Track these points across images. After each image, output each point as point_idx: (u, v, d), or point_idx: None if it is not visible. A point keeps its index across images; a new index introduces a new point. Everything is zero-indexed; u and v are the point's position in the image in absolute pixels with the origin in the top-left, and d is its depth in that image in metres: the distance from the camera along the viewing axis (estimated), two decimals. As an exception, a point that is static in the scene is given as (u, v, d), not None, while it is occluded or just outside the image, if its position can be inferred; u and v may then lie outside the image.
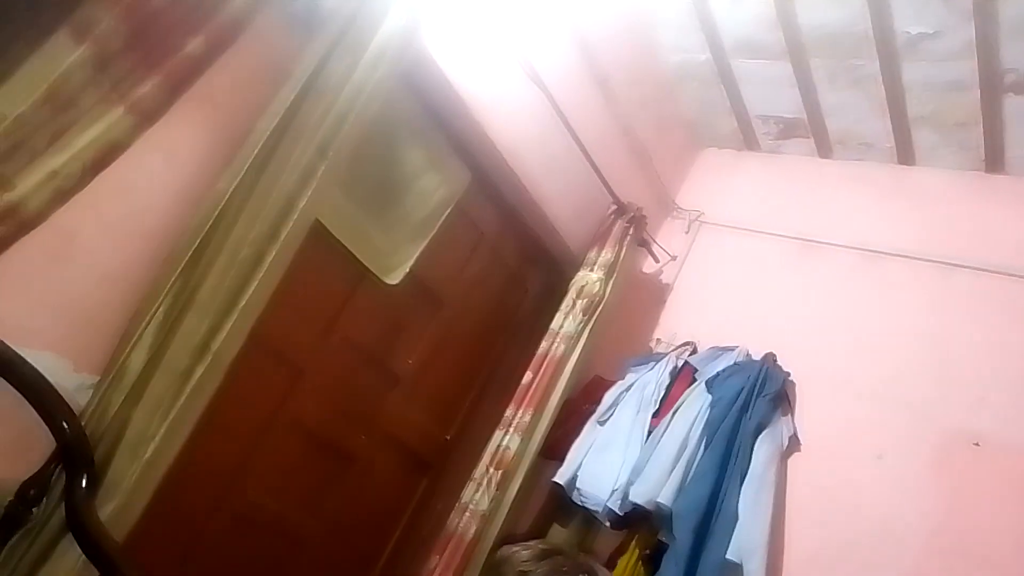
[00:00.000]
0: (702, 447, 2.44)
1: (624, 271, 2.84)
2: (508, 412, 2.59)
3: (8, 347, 1.42)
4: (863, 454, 2.45)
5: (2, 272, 1.41)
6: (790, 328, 2.79)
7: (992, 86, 2.47)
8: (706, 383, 2.60)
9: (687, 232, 3.24)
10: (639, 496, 2.36)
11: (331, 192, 1.85)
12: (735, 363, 2.65)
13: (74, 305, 1.58)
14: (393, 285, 2.31)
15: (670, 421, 2.53)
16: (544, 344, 2.68)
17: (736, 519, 2.29)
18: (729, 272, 3.07)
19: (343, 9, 1.76)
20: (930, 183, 2.90)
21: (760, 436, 2.44)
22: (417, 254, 2.35)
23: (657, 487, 2.35)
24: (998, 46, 2.33)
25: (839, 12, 2.45)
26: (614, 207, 2.89)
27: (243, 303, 1.63)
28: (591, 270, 2.78)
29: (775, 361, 2.65)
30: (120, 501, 1.53)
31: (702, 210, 3.25)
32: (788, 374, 2.63)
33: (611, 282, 2.77)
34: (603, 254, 2.80)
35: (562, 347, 2.66)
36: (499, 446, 2.55)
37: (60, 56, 1.35)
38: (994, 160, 2.75)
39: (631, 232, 2.86)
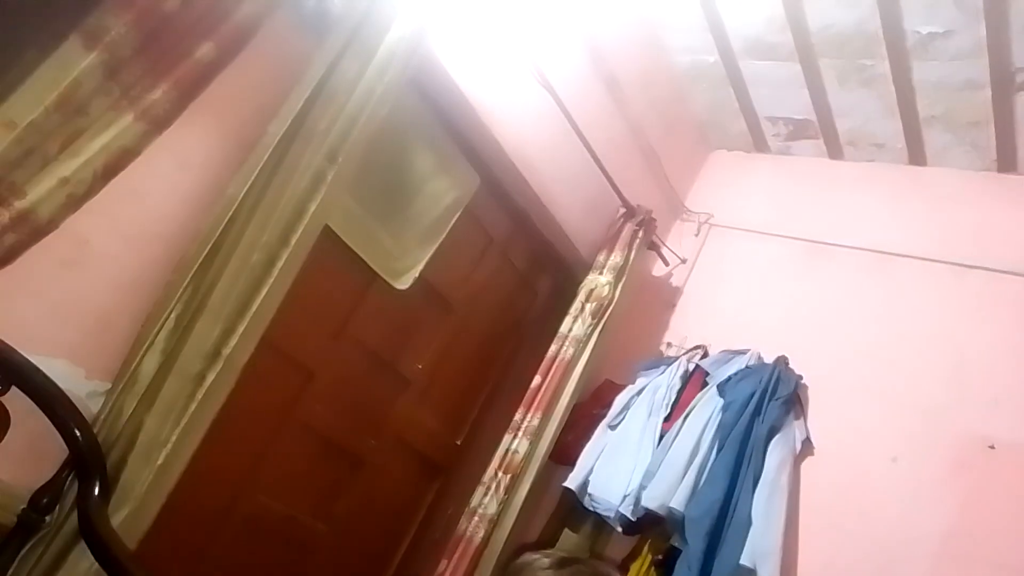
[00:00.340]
0: (714, 451, 2.43)
1: (633, 274, 2.82)
2: (517, 416, 2.59)
3: (21, 354, 1.43)
4: (877, 457, 2.43)
5: (15, 279, 1.41)
6: (802, 331, 2.77)
7: (1004, 85, 2.46)
8: (718, 387, 2.58)
9: (697, 235, 3.23)
10: (651, 501, 2.34)
11: (341, 197, 1.85)
12: (747, 366, 2.63)
13: (86, 311, 1.58)
14: (403, 290, 2.31)
15: (682, 425, 2.51)
16: (553, 347, 2.68)
17: (749, 524, 2.27)
18: (740, 275, 3.05)
19: (352, 14, 1.77)
20: (942, 183, 2.88)
21: (773, 440, 2.43)
22: (426, 259, 2.35)
23: (669, 492, 2.34)
24: (1009, 45, 2.31)
25: (848, 12, 2.43)
26: (623, 210, 2.88)
27: (254, 308, 1.64)
28: (600, 273, 2.78)
29: (787, 364, 2.63)
30: (132, 507, 1.54)
31: (712, 212, 3.23)
32: (800, 377, 2.61)
33: (620, 285, 2.76)
34: (612, 257, 2.79)
35: (571, 350, 2.65)
36: (508, 450, 2.55)
37: (71, 63, 1.35)
38: (1006, 159, 2.73)
39: (640, 235, 2.85)
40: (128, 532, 1.53)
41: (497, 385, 2.87)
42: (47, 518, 1.53)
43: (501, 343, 2.86)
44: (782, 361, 2.63)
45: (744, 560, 2.21)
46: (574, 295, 2.77)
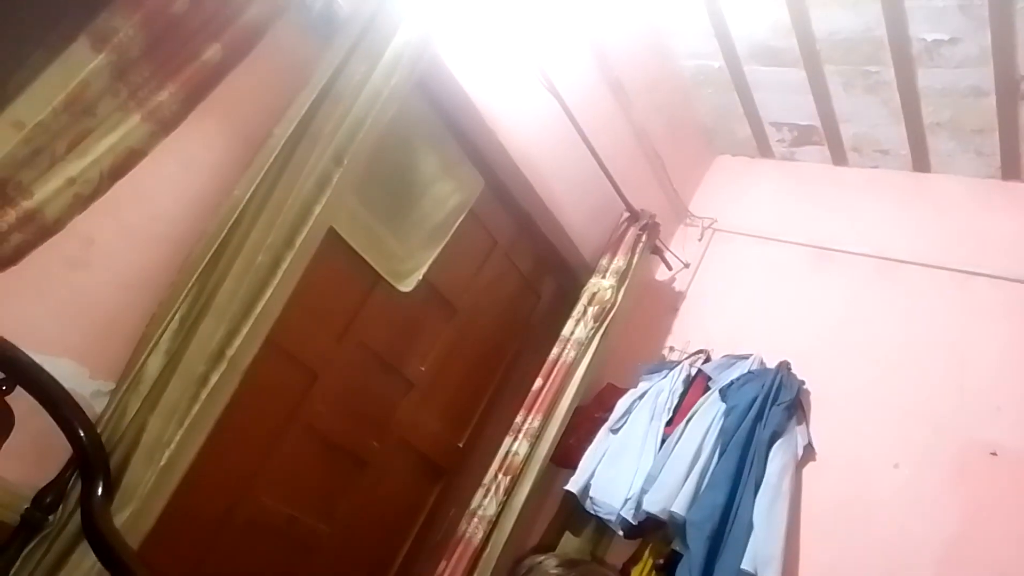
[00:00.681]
0: (716, 456, 2.43)
1: (636, 278, 2.83)
2: (518, 418, 2.59)
3: (25, 354, 1.43)
4: (879, 463, 2.43)
5: (21, 278, 1.42)
6: (805, 336, 2.77)
7: (1008, 93, 2.46)
8: (720, 391, 2.58)
9: (700, 239, 3.23)
10: (652, 505, 2.34)
11: (346, 199, 1.86)
12: (749, 371, 2.63)
13: (91, 311, 1.59)
14: (406, 292, 2.32)
15: (684, 429, 2.51)
16: (555, 350, 2.68)
17: (751, 529, 2.27)
18: (743, 280, 3.05)
19: (359, 17, 1.77)
20: (946, 190, 2.87)
21: (775, 445, 2.42)
22: (430, 261, 2.36)
23: (671, 496, 2.33)
24: (1014, 53, 2.31)
25: (854, 19, 2.44)
26: (627, 214, 2.89)
27: (259, 309, 1.64)
28: (603, 277, 2.78)
29: (790, 369, 2.63)
30: (136, 507, 1.54)
31: (716, 217, 3.24)
32: (803, 382, 2.61)
33: (623, 289, 2.77)
34: (615, 261, 2.79)
35: (572, 353, 2.65)
36: (508, 452, 2.55)
37: (79, 64, 1.36)
38: (1010, 167, 2.73)
39: (644, 239, 2.85)
40: (131, 532, 1.53)
41: (500, 388, 2.87)
42: (50, 517, 1.53)
43: (504, 346, 2.86)
44: (784, 366, 2.63)
45: (745, 565, 2.21)
46: (577, 298, 2.77)
